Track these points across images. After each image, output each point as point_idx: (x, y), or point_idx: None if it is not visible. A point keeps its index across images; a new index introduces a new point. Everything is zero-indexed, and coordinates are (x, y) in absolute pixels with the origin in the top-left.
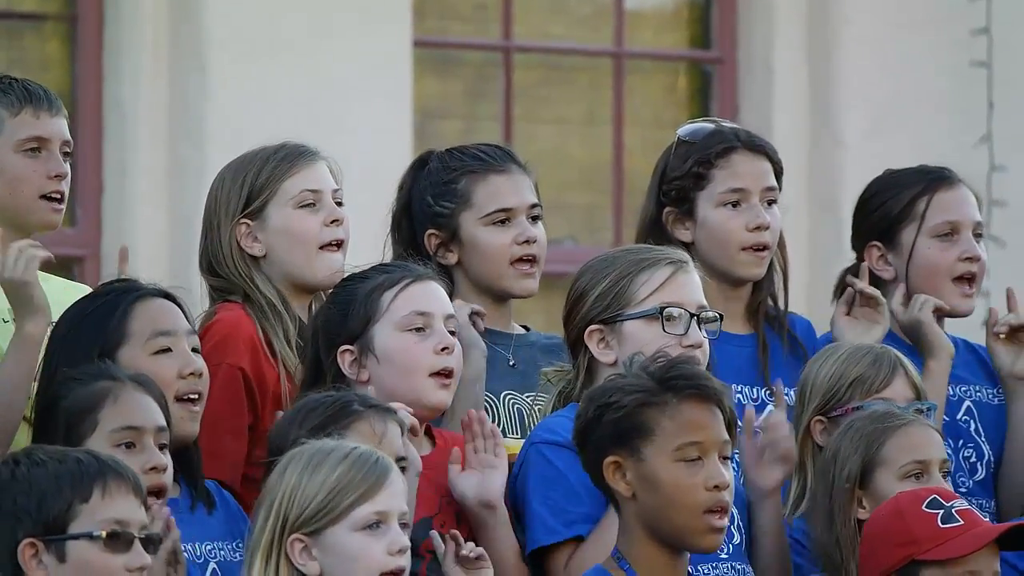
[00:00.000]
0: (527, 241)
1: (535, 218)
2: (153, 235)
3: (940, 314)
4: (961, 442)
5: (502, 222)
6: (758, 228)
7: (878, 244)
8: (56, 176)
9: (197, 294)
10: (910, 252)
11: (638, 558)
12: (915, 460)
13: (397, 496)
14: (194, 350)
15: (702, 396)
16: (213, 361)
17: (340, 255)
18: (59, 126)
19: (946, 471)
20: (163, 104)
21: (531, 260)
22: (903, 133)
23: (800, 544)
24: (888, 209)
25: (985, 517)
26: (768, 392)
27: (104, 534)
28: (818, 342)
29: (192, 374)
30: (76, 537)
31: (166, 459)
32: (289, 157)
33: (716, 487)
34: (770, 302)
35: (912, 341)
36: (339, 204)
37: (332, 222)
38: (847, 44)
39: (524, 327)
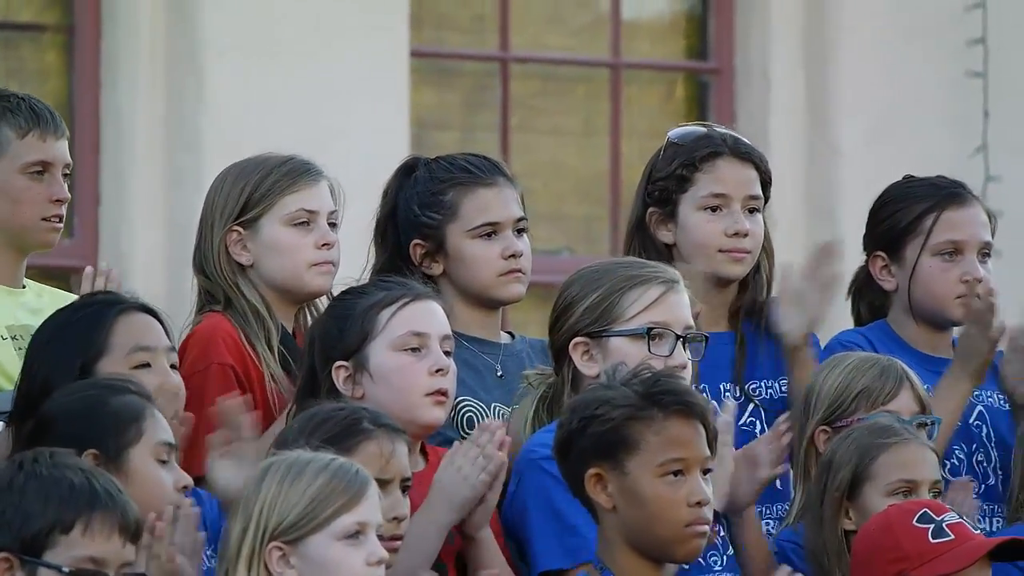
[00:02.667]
0: (513, 255)
1: (520, 231)
2: (150, 245)
3: (952, 323)
4: (974, 446)
5: (488, 235)
6: (736, 234)
7: (882, 254)
8: (58, 200)
9: (191, 299)
10: (913, 267)
11: (621, 567)
12: (903, 479)
13: (376, 508)
14: (172, 367)
15: (687, 412)
16: (201, 365)
17: (329, 279)
18: (63, 149)
19: (938, 491)
20: (160, 114)
21: (520, 272)
22: (899, 143)
23: (802, 548)
24: (896, 221)
25: (997, 523)
26: (739, 390)
27: (69, 571)
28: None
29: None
30: (48, 566)
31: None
32: (292, 173)
33: (698, 503)
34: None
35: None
36: (334, 226)
37: (323, 245)
38: (844, 54)
39: (509, 333)
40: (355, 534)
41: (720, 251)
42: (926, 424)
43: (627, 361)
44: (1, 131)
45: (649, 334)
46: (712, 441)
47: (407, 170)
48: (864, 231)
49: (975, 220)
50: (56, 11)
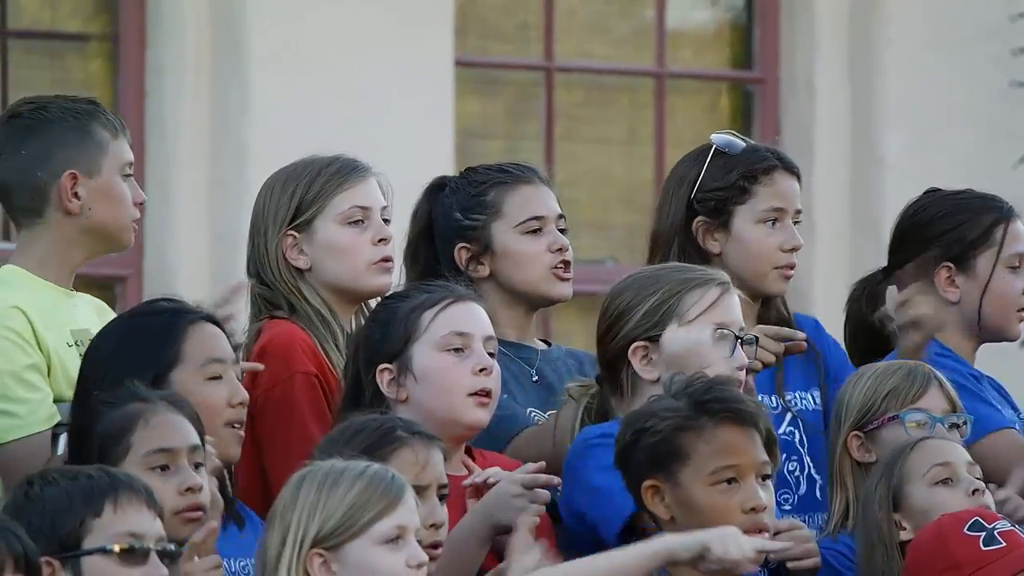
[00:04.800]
0: (561, 249)
1: (562, 230)
2: (195, 253)
3: (1006, 337)
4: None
5: (535, 231)
6: (792, 249)
7: (949, 265)
8: (140, 204)
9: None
10: (988, 279)
11: None
12: (938, 464)
13: (413, 512)
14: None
15: (738, 419)
16: (284, 375)
17: (389, 277)
18: None
19: (978, 476)
20: (204, 122)
21: (566, 266)
22: (944, 153)
23: (847, 559)
24: (963, 233)
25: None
26: (778, 400)
27: (118, 548)
28: (827, 338)
29: (240, 403)
30: (90, 552)
31: (201, 479)
32: (342, 171)
33: (753, 509)
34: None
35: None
36: (387, 221)
37: (380, 240)
38: (888, 64)
39: (546, 342)
40: (395, 538)
41: (775, 268)
42: (958, 424)
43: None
44: (97, 132)
45: (713, 335)
46: (771, 445)
47: (436, 188)
48: (909, 244)
49: None
50: (102, 21)
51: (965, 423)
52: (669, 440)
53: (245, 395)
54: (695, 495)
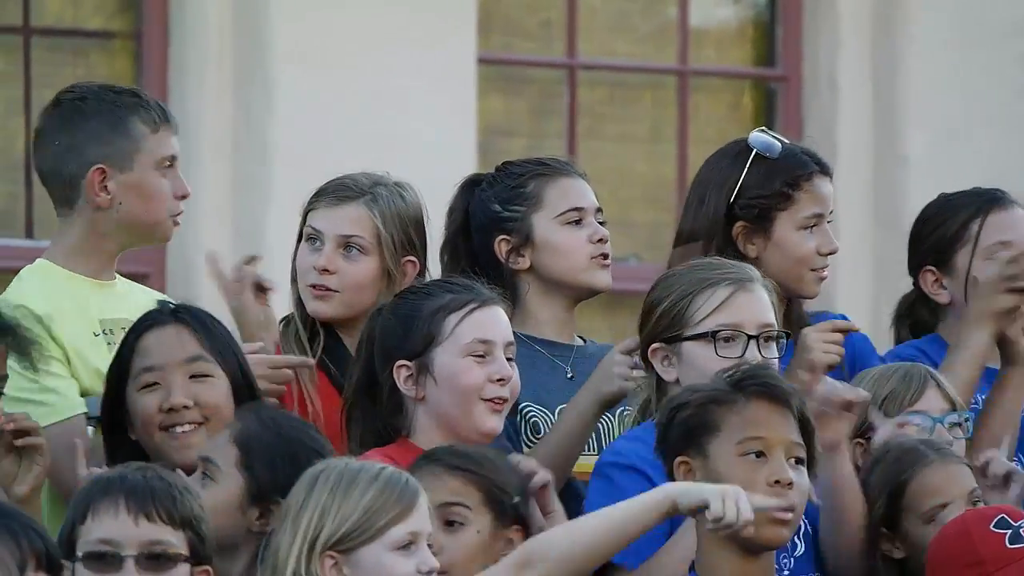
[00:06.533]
0: (601, 240)
1: (601, 223)
2: (218, 250)
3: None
4: None
5: (576, 222)
6: (830, 252)
7: (932, 268)
8: (183, 196)
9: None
10: (966, 275)
11: (710, 565)
12: (936, 504)
13: (426, 518)
14: (194, 376)
15: (770, 395)
16: None
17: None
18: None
19: (976, 500)
20: (227, 120)
21: (606, 256)
22: (967, 150)
23: None
24: (941, 233)
25: None
26: None
27: (80, 554)
28: (873, 356)
29: (172, 409)
30: (75, 560)
31: None
32: (324, 192)
33: (777, 482)
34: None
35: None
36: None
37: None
38: (911, 62)
39: (582, 339)
40: (407, 544)
41: (812, 270)
42: (959, 423)
43: (701, 365)
44: (133, 127)
45: (715, 336)
46: (807, 431)
47: (471, 184)
48: (908, 253)
49: (1021, 220)
50: (125, 18)
51: (967, 420)
52: (701, 413)
53: (177, 400)
54: (721, 466)
